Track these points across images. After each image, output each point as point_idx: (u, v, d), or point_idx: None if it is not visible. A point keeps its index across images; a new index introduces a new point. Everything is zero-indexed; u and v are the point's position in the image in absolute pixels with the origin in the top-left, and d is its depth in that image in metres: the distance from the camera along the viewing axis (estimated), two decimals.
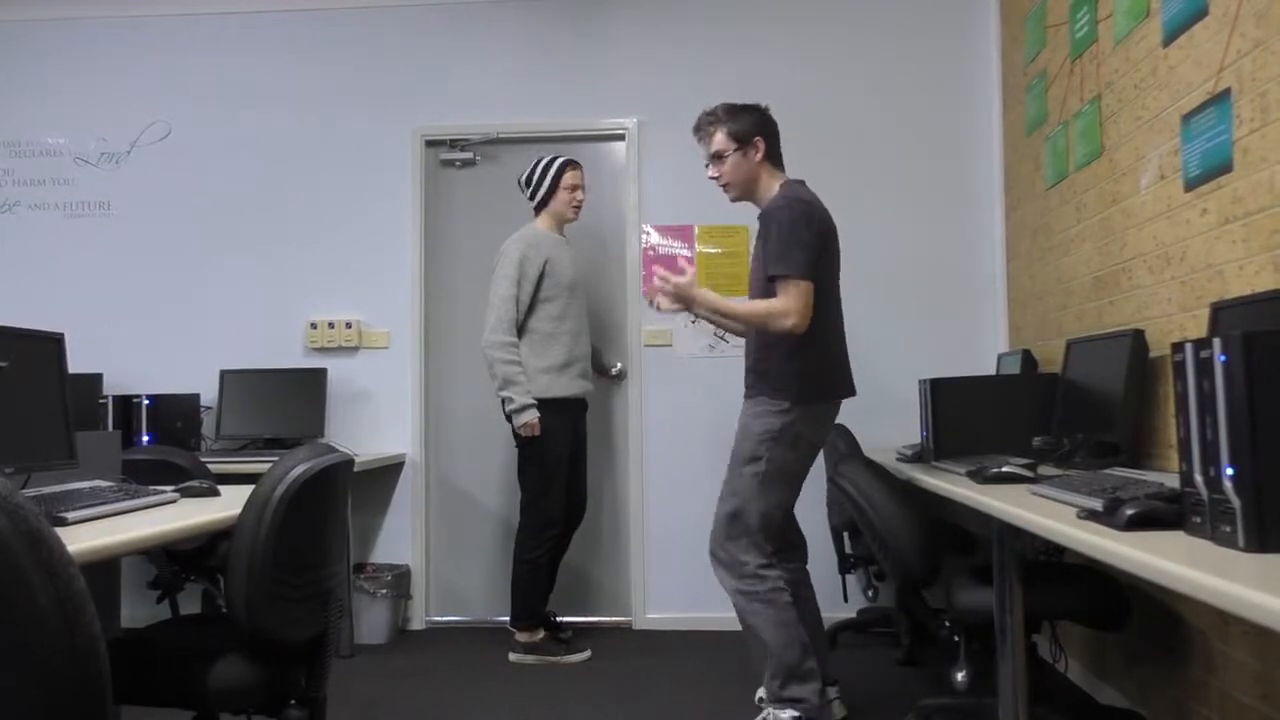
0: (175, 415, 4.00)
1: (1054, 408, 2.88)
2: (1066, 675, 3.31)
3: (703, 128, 2.95)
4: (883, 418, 4.13)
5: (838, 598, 3.95)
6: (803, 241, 2.68)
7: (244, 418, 4.18)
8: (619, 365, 4.26)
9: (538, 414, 3.57)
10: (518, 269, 3.63)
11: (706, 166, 2.95)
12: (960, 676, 2.48)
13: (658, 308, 2.88)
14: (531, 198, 3.80)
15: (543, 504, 3.64)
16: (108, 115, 4.51)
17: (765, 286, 2.75)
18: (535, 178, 3.80)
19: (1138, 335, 2.48)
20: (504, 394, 3.61)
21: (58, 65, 4.54)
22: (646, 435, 4.23)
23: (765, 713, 2.74)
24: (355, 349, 4.36)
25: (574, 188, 3.78)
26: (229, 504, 1.98)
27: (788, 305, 2.65)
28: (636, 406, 4.22)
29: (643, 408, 4.22)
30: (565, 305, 3.68)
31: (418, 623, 4.26)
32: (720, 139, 2.91)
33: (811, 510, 4.08)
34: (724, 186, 2.93)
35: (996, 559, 2.23)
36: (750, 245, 4.19)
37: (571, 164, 3.82)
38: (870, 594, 3.80)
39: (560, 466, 3.66)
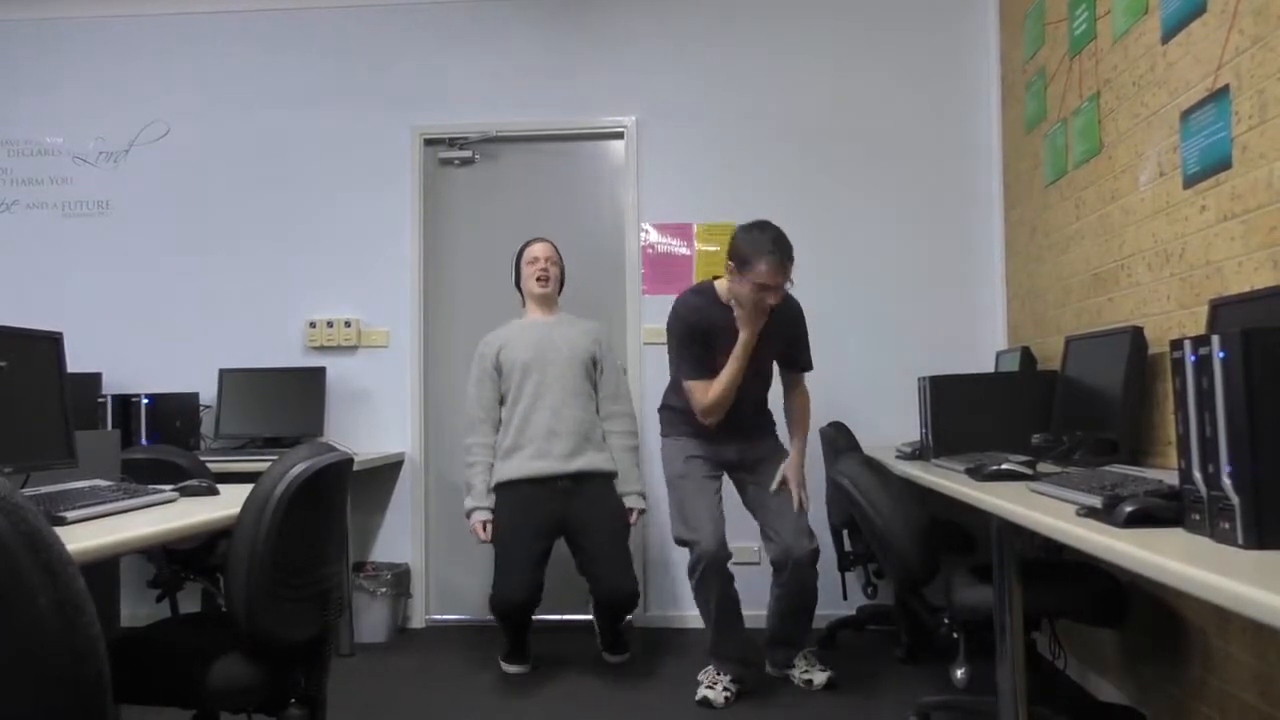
0: (174, 414, 4.00)
1: (1053, 405, 2.88)
2: (1066, 673, 3.31)
3: (792, 258, 3.08)
4: (882, 415, 4.13)
5: (837, 595, 3.95)
6: None
7: (243, 417, 4.18)
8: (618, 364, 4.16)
9: (482, 517, 3.43)
10: (476, 367, 3.60)
11: (763, 290, 3.02)
12: (960, 674, 2.48)
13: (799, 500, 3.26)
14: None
15: (494, 582, 3.34)
16: (106, 114, 4.51)
17: (767, 367, 3.31)
18: (513, 268, 3.77)
19: (1136, 332, 2.48)
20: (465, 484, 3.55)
21: (56, 64, 4.54)
22: (647, 434, 4.23)
23: (809, 675, 3.25)
24: (354, 348, 4.36)
25: (533, 260, 3.62)
26: (228, 503, 1.98)
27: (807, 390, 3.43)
28: (637, 404, 4.21)
29: (643, 406, 4.22)
30: (517, 389, 3.50)
31: (418, 621, 4.26)
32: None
33: (811, 508, 4.08)
34: (766, 312, 3.12)
35: (996, 556, 2.23)
36: None
37: (533, 241, 3.69)
38: (869, 591, 3.80)
39: (511, 548, 3.32)
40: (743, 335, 3.10)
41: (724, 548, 3.08)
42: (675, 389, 3.32)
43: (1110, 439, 2.49)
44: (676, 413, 3.32)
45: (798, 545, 3.12)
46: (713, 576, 3.06)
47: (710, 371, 3.16)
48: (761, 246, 2.98)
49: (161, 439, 3.84)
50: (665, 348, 4.17)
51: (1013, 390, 2.95)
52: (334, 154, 4.42)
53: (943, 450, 2.87)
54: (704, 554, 3.05)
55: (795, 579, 3.13)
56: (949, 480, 2.27)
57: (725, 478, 3.32)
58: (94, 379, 4.21)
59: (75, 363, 4.23)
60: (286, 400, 4.17)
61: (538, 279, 3.60)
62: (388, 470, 4.30)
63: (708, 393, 3.15)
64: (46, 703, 1.08)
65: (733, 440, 3.27)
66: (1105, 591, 2.41)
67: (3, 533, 1.06)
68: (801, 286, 3.70)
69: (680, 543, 3.16)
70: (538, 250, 3.64)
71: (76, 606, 1.10)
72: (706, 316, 3.17)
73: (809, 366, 3.34)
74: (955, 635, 2.47)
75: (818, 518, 4.02)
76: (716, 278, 3.28)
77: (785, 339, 3.27)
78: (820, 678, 3.23)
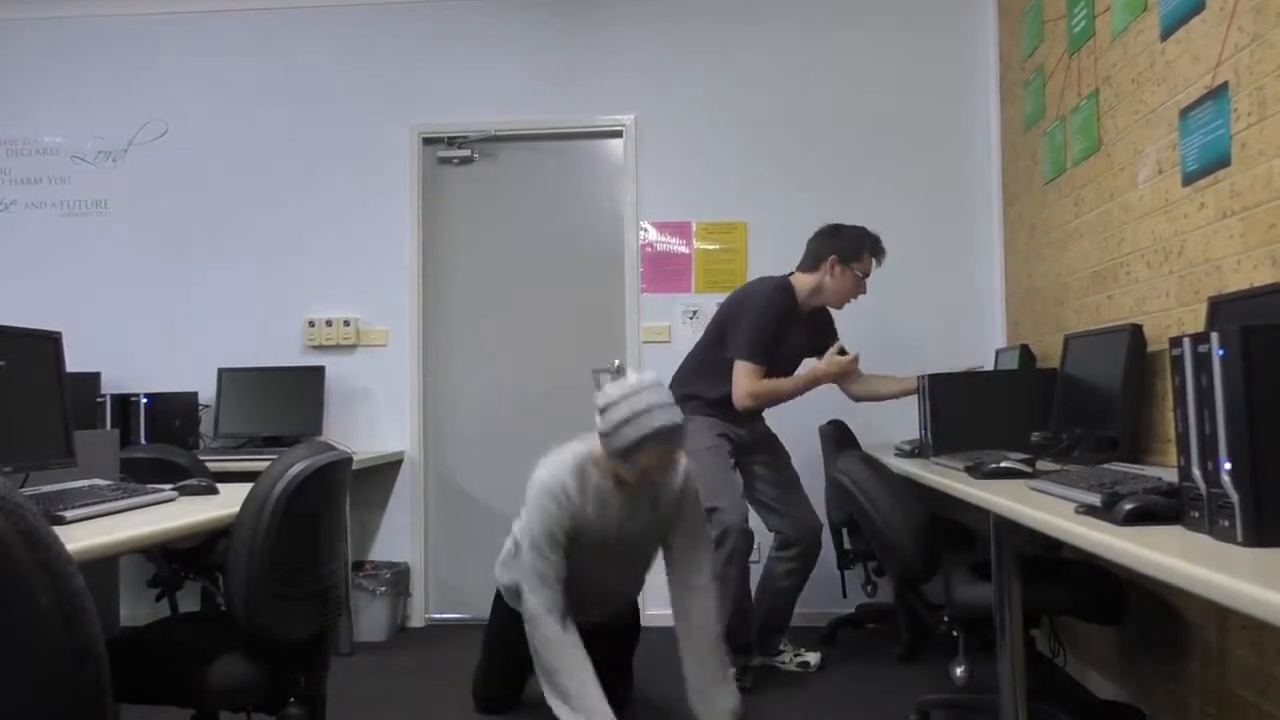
0: (173, 414, 4.00)
1: (1052, 403, 2.88)
2: (1065, 670, 3.31)
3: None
4: (881, 413, 4.13)
5: (836, 593, 3.95)
6: None
7: (242, 416, 4.18)
8: (617, 362, 4.24)
9: None
10: (545, 538, 2.59)
11: (864, 279, 3.36)
12: (959, 672, 2.48)
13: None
14: (602, 434, 2.56)
15: (476, 676, 3.10)
16: (105, 114, 4.50)
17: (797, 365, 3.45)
18: (612, 415, 2.52)
19: (1136, 330, 2.48)
20: (550, 704, 2.58)
21: (55, 63, 4.53)
22: None
23: (804, 657, 3.40)
24: (353, 347, 4.36)
25: (645, 470, 2.57)
26: (227, 502, 1.98)
27: None
28: None
29: None
30: (565, 558, 2.65)
31: (417, 620, 4.26)
32: None
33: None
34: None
35: (995, 554, 2.23)
36: (748, 243, 4.24)
37: (662, 439, 2.48)
38: (869, 590, 3.81)
39: (501, 658, 3.01)
40: (818, 375, 3.27)
41: (747, 521, 3.17)
42: (709, 377, 3.33)
43: (1109, 436, 2.49)
44: (703, 401, 3.34)
45: (815, 520, 3.33)
46: (740, 549, 3.14)
47: (768, 364, 3.26)
48: (875, 243, 3.34)
49: (160, 438, 3.84)
50: (668, 343, 4.21)
51: (1012, 388, 2.95)
52: (332, 153, 4.41)
53: (942, 448, 2.87)
54: (731, 525, 3.11)
55: (810, 553, 3.31)
56: (948, 478, 2.27)
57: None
58: (93, 378, 4.20)
59: (74, 362, 4.23)
60: (285, 399, 4.17)
61: (639, 479, 2.64)
62: (387, 469, 4.29)
63: (757, 382, 3.24)
64: (46, 702, 1.08)
65: (748, 421, 3.38)
66: (1104, 589, 2.41)
67: (2, 532, 1.06)
68: None
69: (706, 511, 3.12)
70: (653, 459, 2.54)
71: (76, 605, 1.10)
72: (787, 318, 3.30)
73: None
74: (955, 633, 2.47)
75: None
76: (789, 274, 3.38)
77: (819, 336, 3.48)
78: (814, 658, 3.41)
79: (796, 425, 4.08)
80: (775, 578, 3.36)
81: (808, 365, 3.41)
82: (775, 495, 3.38)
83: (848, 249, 3.30)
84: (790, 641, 3.48)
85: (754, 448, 3.41)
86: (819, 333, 3.46)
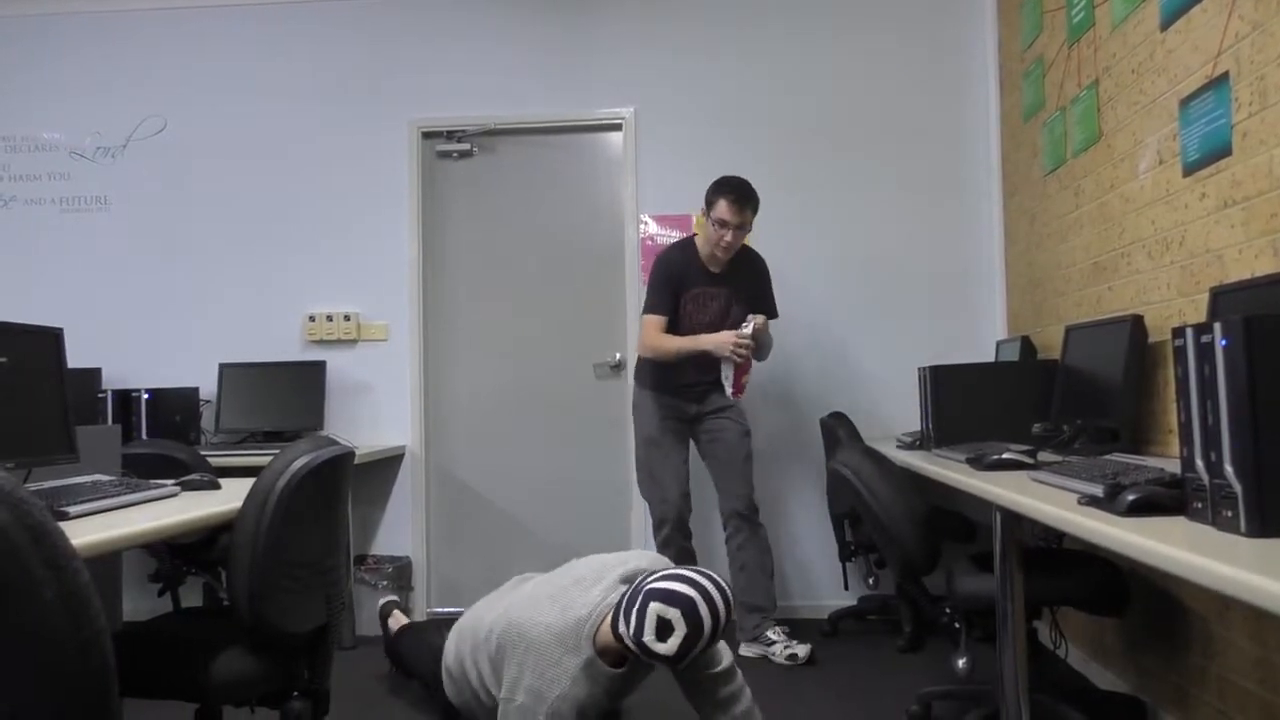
0: (174, 409, 4.00)
1: (1053, 394, 2.88)
2: (1067, 661, 3.32)
3: (754, 207, 3.43)
4: (882, 405, 4.14)
5: (839, 585, 3.96)
6: None
7: (243, 411, 4.18)
8: (618, 356, 4.26)
9: None
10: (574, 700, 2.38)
11: (723, 228, 3.36)
12: (961, 663, 2.49)
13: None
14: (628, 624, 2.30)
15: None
16: (103, 109, 4.49)
17: (737, 321, 3.50)
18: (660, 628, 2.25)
19: (1137, 321, 2.48)
20: None
21: (53, 60, 4.52)
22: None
23: (792, 649, 3.39)
24: (354, 341, 4.36)
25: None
26: (230, 497, 1.98)
27: None
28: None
29: None
30: None
31: (419, 614, 4.26)
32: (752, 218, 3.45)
33: (812, 498, 4.10)
34: (727, 249, 3.42)
35: (997, 546, 2.23)
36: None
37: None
38: (871, 581, 3.82)
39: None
40: (702, 344, 3.40)
41: (687, 506, 3.51)
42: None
43: (1111, 428, 2.49)
44: (658, 367, 3.55)
45: (743, 494, 3.47)
46: (675, 534, 3.49)
47: (669, 313, 3.48)
48: (722, 188, 3.39)
49: (161, 434, 3.84)
50: None
51: (1013, 379, 2.95)
52: (332, 147, 4.41)
53: (943, 440, 2.87)
54: (666, 516, 3.48)
55: (746, 526, 3.46)
56: (950, 470, 2.27)
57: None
58: (94, 374, 4.20)
59: (75, 358, 4.20)
60: (286, 394, 4.17)
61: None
62: (388, 463, 4.30)
63: (657, 334, 3.47)
64: (53, 696, 1.08)
65: (695, 399, 3.57)
66: (1106, 580, 2.41)
67: (8, 527, 1.06)
68: (800, 277, 3.70)
69: (645, 497, 3.59)
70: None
71: (82, 600, 1.11)
72: (681, 270, 3.49)
73: (774, 314, 3.62)
74: (957, 624, 2.47)
75: (819, 507, 4.04)
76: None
77: (751, 292, 3.59)
78: (803, 650, 3.38)
79: (797, 417, 4.09)
80: (731, 554, 3.51)
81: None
82: (713, 468, 3.57)
83: (707, 199, 3.44)
84: (783, 633, 3.48)
85: (700, 418, 3.59)
86: (746, 286, 3.57)
